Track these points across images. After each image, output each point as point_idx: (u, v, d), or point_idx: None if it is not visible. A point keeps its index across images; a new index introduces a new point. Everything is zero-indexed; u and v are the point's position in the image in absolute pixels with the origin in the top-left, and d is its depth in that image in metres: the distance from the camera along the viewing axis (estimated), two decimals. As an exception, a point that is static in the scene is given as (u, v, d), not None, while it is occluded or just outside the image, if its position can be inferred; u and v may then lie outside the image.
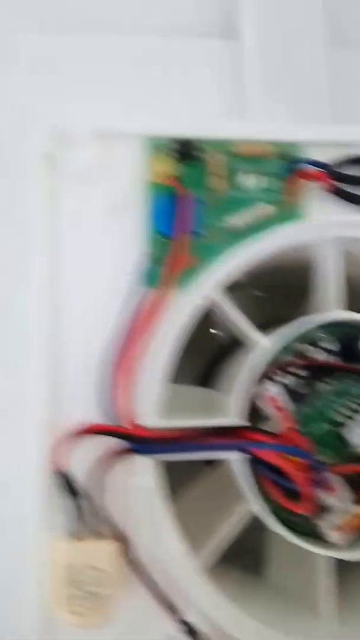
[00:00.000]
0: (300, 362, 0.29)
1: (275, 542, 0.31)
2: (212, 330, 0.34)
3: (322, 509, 0.28)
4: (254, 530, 0.29)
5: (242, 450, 0.26)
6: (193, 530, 0.29)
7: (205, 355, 0.35)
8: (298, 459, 0.26)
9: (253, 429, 0.27)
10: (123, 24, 0.38)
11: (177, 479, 0.29)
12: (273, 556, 0.32)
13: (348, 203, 0.29)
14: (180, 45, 0.37)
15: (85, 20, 0.38)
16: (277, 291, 0.35)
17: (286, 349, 0.28)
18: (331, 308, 0.29)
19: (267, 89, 0.35)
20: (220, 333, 0.35)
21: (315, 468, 0.27)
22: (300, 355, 0.29)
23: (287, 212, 0.28)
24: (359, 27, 0.41)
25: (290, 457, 0.26)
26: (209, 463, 0.33)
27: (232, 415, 0.28)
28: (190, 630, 0.27)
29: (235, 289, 0.29)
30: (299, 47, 0.36)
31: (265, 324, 0.32)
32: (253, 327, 0.28)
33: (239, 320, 0.28)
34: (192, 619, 0.27)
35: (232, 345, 0.34)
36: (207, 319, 0.30)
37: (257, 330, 0.28)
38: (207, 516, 0.31)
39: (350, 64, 0.41)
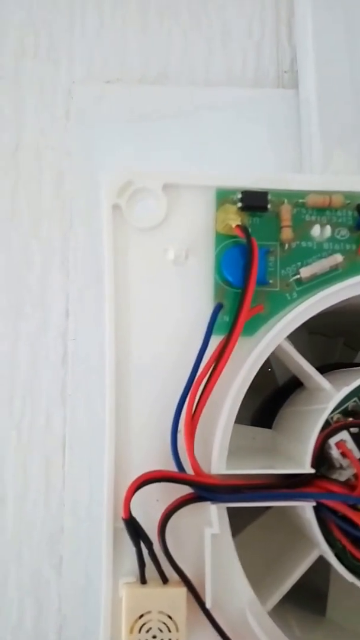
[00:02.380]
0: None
1: (338, 583, 0.31)
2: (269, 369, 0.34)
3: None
4: (314, 568, 0.29)
5: (314, 500, 0.27)
6: (256, 572, 0.29)
7: (259, 393, 0.35)
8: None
9: (323, 477, 0.27)
10: (183, 75, 0.38)
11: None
12: (335, 596, 0.32)
13: None
14: (241, 95, 0.37)
15: (141, 71, 0.38)
16: (337, 332, 0.35)
17: (352, 395, 0.28)
18: None
19: (333, 140, 0.35)
20: (277, 372, 0.35)
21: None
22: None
23: (357, 263, 0.28)
24: None
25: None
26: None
27: (298, 462, 0.28)
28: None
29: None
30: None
31: (324, 367, 0.32)
32: (319, 374, 0.29)
33: (307, 366, 0.28)
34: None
35: (290, 386, 0.34)
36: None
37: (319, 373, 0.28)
38: (270, 558, 0.31)
39: None
